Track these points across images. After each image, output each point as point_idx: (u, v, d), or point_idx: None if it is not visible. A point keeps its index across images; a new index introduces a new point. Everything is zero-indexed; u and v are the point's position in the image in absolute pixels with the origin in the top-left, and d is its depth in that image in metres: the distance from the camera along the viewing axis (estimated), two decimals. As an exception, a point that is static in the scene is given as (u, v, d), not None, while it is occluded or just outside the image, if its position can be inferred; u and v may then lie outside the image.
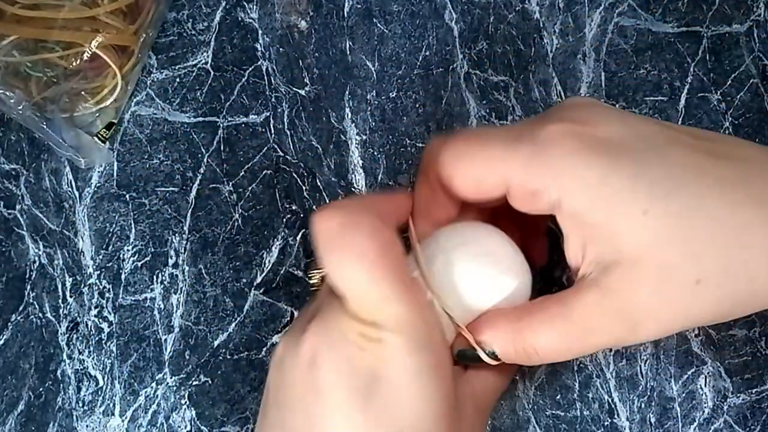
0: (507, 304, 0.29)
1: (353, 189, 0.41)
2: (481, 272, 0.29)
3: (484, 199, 0.29)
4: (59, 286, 0.40)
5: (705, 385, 0.38)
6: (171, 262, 0.40)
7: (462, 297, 0.29)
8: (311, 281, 0.33)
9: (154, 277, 0.40)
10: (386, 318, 0.25)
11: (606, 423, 0.38)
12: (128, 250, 0.41)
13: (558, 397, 0.38)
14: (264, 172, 0.41)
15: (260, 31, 0.43)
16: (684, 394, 0.38)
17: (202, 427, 0.39)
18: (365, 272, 0.25)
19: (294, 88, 0.42)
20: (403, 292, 0.26)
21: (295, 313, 0.40)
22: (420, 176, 0.32)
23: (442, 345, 0.28)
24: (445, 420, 0.26)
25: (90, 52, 0.39)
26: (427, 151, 0.31)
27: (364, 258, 0.25)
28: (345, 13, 0.43)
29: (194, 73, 0.43)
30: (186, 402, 0.39)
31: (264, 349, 0.39)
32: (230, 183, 0.41)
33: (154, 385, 0.39)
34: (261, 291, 0.40)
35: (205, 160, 0.41)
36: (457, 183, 0.29)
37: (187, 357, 0.39)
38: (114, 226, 0.41)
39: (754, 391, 0.38)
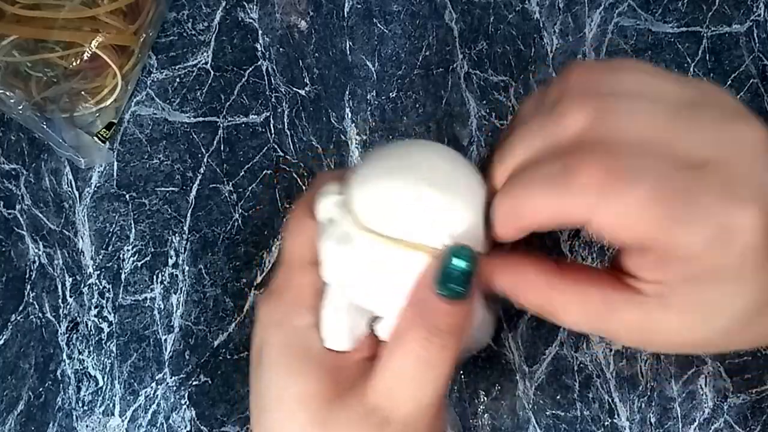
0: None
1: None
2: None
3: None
4: (59, 286, 0.40)
5: (705, 385, 0.38)
6: (171, 262, 0.40)
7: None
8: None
9: (154, 277, 0.40)
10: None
11: (606, 423, 0.38)
12: (128, 250, 0.41)
13: (558, 397, 0.38)
14: (264, 172, 0.41)
15: (260, 31, 0.43)
16: (684, 394, 0.38)
17: (202, 427, 0.38)
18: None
19: (294, 88, 0.42)
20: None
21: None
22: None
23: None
24: None
25: (90, 52, 0.39)
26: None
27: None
28: (345, 13, 0.43)
29: (194, 73, 0.43)
30: (186, 402, 0.39)
31: (264, 349, 0.39)
32: (230, 183, 0.41)
33: (154, 385, 0.39)
34: (261, 291, 0.40)
35: (205, 160, 0.41)
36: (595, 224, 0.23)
37: (187, 357, 0.39)
38: (114, 226, 0.41)
39: (754, 391, 0.38)
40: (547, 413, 0.38)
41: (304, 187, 0.41)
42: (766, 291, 0.23)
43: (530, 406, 0.38)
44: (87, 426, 0.39)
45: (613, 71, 0.25)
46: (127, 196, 0.41)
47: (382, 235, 0.25)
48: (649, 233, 0.22)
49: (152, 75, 0.42)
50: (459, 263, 0.25)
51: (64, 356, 0.40)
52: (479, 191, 0.26)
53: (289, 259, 0.28)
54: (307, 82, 0.42)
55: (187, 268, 0.40)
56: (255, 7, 0.43)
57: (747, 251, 0.22)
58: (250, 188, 0.41)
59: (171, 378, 0.39)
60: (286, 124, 0.42)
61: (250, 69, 0.42)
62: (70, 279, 0.40)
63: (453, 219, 0.25)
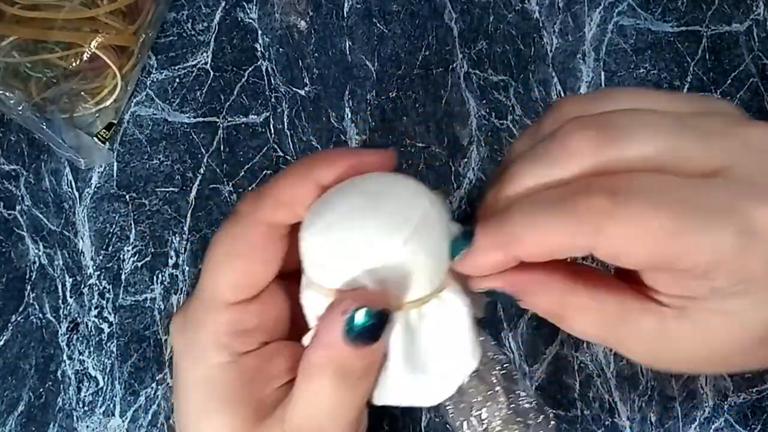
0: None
1: (353, 189, 0.41)
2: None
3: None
4: (59, 287, 0.40)
5: (705, 384, 0.38)
6: (171, 262, 0.40)
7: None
8: None
9: (154, 277, 0.40)
10: None
11: (607, 422, 0.38)
12: (128, 251, 0.41)
13: (558, 397, 0.38)
14: (264, 172, 0.41)
15: (260, 31, 0.43)
16: (684, 393, 0.38)
17: (203, 428, 0.38)
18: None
19: (294, 88, 0.42)
20: None
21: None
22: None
23: None
24: None
25: (89, 53, 0.39)
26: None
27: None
28: (344, 13, 0.43)
29: (194, 74, 0.43)
30: (186, 402, 0.39)
31: (264, 349, 0.39)
32: (230, 183, 0.41)
33: (154, 385, 0.39)
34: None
35: (205, 160, 0.41)
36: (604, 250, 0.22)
37: (188, 357, 0.39)
38: (114, 226, 0.41)
39: (754, 390, 0.38)
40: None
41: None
42: None
43: (531, 405, 0.38)
44: (88, 427, 0.39)
45: (606, 95, 0.25)
46: (127, 196, 0.41)
47: (316, 284, 0.26)
48: (659, 249, 0.21)
49: (152, 75, 0.42)
50: (359, 321, 0.24)
51: (65, 357, 0.40)
52: (417, 218, 0.24)
53: (209, 297, 0.27)
54: (307, 82, 0.42)
55: (187, 269, 0.40)
56: (254, 7, 0.43)
57: None
58: (250, 188, 0.41)
59: (171, 378, 0.39)
60: (285, 124, 0.42)
61: (250, 69, 0.42)
62: (71, 279, 0.40)
63: (367, 254, 0.24)
